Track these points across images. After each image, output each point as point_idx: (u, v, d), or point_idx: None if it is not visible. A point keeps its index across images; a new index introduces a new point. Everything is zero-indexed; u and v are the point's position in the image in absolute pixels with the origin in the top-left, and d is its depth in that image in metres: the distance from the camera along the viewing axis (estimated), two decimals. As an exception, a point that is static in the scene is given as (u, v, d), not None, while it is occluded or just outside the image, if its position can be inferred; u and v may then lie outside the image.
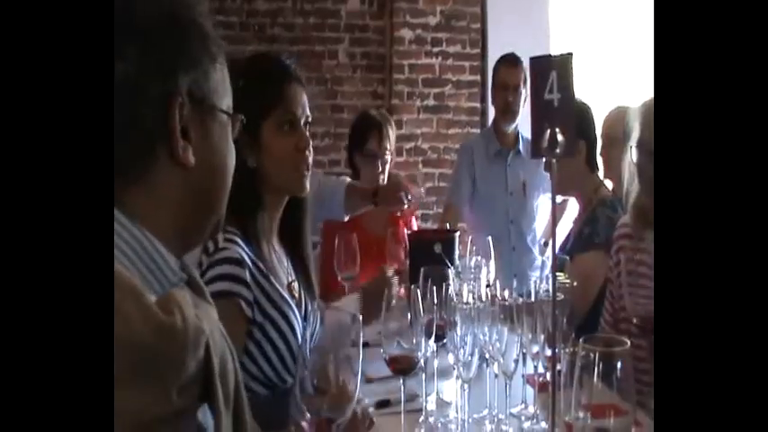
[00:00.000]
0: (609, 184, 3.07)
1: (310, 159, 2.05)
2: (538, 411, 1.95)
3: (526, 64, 3.23)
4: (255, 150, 1.99)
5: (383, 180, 3.66)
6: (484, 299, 1.87)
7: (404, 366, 1.84)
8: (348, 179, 3.19)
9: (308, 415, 1.28)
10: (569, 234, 3.04)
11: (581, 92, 3.05)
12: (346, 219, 3.20)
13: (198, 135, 0.96)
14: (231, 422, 0.93)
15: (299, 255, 2.16)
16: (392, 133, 3.69)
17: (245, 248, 1.94)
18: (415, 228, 3.77)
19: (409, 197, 2.95)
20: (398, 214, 3.45)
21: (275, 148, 2.01)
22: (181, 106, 0.93)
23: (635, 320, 1.82)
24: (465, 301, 1.86)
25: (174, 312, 0.81)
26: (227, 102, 1.03)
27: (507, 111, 3.86)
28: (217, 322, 0.93)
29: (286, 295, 2.01)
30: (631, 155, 2.17)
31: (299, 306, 2.04)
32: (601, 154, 3.01)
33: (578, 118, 2.82)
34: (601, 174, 3.04)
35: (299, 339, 1.94)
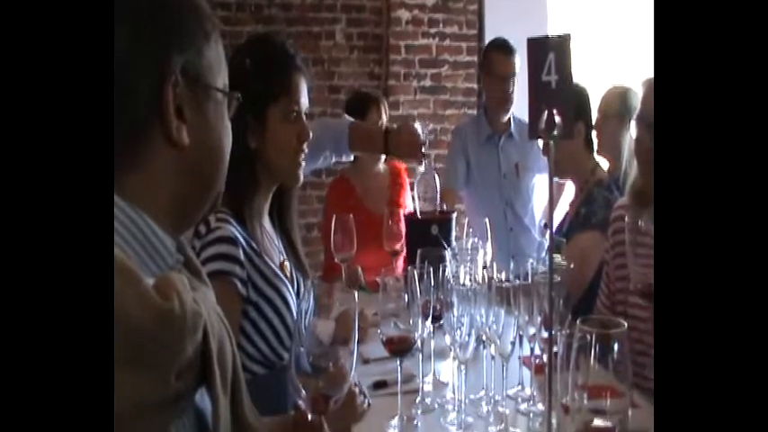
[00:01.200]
0: (604, 162, 3.07)
1: (307, 151, 2.06)
2: (534, 393, 1.96)
3: (522, 44, 3.20)
4: (259, 133, 2.00)
5: (380, 157, 3.66)
6: (480, 280, 1.87)
7: (401, 347, 1.85)
8: (350, 118, 3.15)
9: (304, 392, 1.27)
10: (566, 216, 3.04)
11: (578, 74, 3.04)
12: (351, 157, 3.14)
13: (193, 114, 0.95)
14: (229, 405, 0.92)
15: (287, 234, 2.17)
16: (386, 110, 3.71)
17: (238, 227, 1.94)
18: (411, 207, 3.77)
19: (425, 151, 2.88)
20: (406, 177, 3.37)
21: (279, 135, 2.02)
22: (174, 85, 0.92)
23: (639, 286, 1.81)
24: (462, 282, 1.86)
25: (172, 297, 0.80)
26: (222, 79, 1.01)
27: (505, 101, 3.83)
28: (214, 304, 0.93)
29: (280, 274, 2.01)
30: (631, 130, 2.17)
31: (291, 284, 2.05)
32: (595, 129, 3.00)
33: (576, 100, 2.82)
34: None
35: (295, 316, 1.94)
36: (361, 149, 3.06)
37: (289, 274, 2.08)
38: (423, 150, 2.84)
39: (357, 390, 1.87)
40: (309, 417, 1.28)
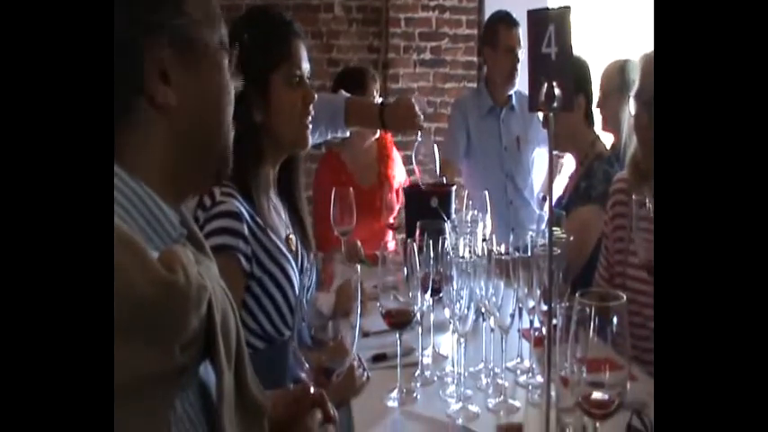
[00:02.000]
0: (608, 138, 3.05)
1: (313, 113, 2.04)
2: (533, 365, 1.97)
3: (522, 17, 3.17)
4: (263, 105, 1.98)
5: (373, 132, 3.65)
6: (480, 253, 1.88)
7: (400, 320, 1.85)
8: (345, 93, 3.14)
9: (307, 365, 1.27)
10: (566, 189, 3.03)
11: (579, 46, 3.02)
12: (348, 133, 3.14)
13: (181, 76, 0.92)
14: (233, 378, 0.92)
15: (295, 207, 2.16)
16: (378, 86, 3.72)
17: (243, 202, 1.93)
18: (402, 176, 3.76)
19: (422, 123, 2.87)
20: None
21: (284, 102, 2.00)
22: (158, 49, 0.89)
23: (645, 261, 1.81)
24: (461, 255, 1.86)
25: (176, 270, 0.79)
26: (216, 35, 0.97)
27: (511, 74, 3.81)
28: (218, 278, 0.92)
29: (284, 249, 2.00)
30: (630, 107, 2.16)
31: (296, 259, 2.04)
32: (598, 106, 2.99)
33: (576, 72, 2.80)
34: (598, 128, 3.02)
35: (297, 292, 1.94)
36: (358, 124, 3.03)
37: (294, 248, 2.07)
38: (420, 123, 2.82)
39: (356, 363, 1.88)
40: (312, 390, 1.28)
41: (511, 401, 1.83)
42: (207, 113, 0.97)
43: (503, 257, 1.78)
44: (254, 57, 1.86)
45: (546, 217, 2.02)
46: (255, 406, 0.98)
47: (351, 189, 2.85)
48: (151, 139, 0.91)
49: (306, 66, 2.03)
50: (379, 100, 3.61)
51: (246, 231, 1.90)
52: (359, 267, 1.37)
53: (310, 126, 2.04)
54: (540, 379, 1.89)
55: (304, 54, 2.03)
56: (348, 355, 1.31)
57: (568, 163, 3.36)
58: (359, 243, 3.10)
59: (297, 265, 2.03)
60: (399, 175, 3.81)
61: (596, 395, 1.20)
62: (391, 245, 3.23)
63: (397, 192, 3.24)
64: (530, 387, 1.90)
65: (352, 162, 3.73)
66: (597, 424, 1.22)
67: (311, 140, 2.07)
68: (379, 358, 2.09)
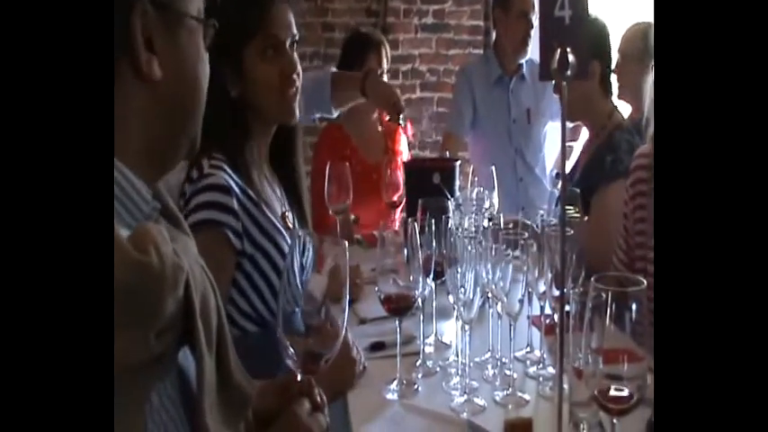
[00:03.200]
0: (625, 109, 3.02)
1: (298, 83, 2.02)
2: (544, 355, 1.96)
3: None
4: (237, 79, 1.97)
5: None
6: (487, 233, 1.85)
7: (400, 306, 1.85)
8: (333, 69, 3.12)
9: (292, 350, 1.27)
10: (577, 163, 3.01)
11: (596, 7, 2.99)
12: (336, 114, 3.14)
13: (164, 45, 0.92)
14: (215, 364, 0.92)
15: (292, 183, 2.16)
16: (388, 53, 3.65)
17: (233, 176, 1.93)
18: (406, 154, 3.75)
19: (402, 113, 2.89)
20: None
21: (259, 76, 1.99)
22: (143, 14, 0.89)
23: None
24: (466, 235, 1.85)
25: (149, 250, 0.78)
26: (196, 5, 0.99)
27: (525, 42, 3.77)
28: (196, 256, 0.91)
29: (279, 224, 2.00)
30: (652, 76, 2.13)
31: (292, 237, 2.02)
32: (614, 72, 2.95)
33: (593, 36, 2.77)
34: (614, 95, 2.99)
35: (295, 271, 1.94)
36: (343, 101, 3.07)
37: (291, 226, 2.07)
38: (401, 105, 2.88)
39: (355, 352, 1.87)
40: (299, 377, 1.28)
41: (520, 394, 1.82)
42: (186, 87, 0.98)
43: (511, 238, 1.76)
44: (225, 28, 1.85)
45: (558, 194, 2.02)
46: (239, 394, 0.98)
47: (347, 164, 2.84)
48: (128, 111, 0.90)
49: (287, 33, 2.01)
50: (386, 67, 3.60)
51: (236, 205, 1.89)
52: (346, 245, 1.35)
53: (296, 96, 2.03)
54: (551, 370, 1.89)
55: (286, 18, 2.01)
56: (338, 340, 1.30)
57: (583, 138, 3.34)
58: (352, 218, 3.09)
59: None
60: (405, 150, 3.80)
61: (614, 389, 1.19)
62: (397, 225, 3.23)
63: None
64: (540, 379, 1.90)
65: (357, 135, 3.72)
66: (615, 420, 1.21)
67: (298, 113, 2.05)
68: (377, 347, 2.09)
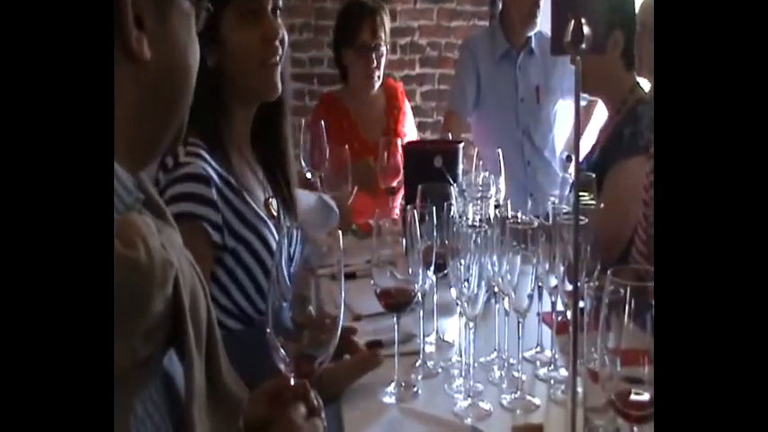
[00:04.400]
0: (645, 85, 2.99)
1: (281, 52, 2.01)
2: (556, 356, 1.95)
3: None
4: (215, 47, 1.95)
5: (378, 78, 3.62)
6: (493, 222, 1.86)
7: (398, 301, 1.84)
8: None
9: (284, 353, 1.26)
10: (595, 145, 2.99)
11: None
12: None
13: (154, 24, 0.92)
14: (204, 365, 0.91)
15: (277, 166, 2.15)
16: (387, 23, 3.64)
17: (212, 162, 1.92)
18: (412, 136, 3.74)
19: None
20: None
21: (237, 43, 1.97)
22: None
23: None
24: (470, 224, 1.84)
25: (136, 244, 0.78)
26: None
27: (534, 14, 3.77)
28: (182, 249, 0.91)
29: (263, 214, 2.00)
30: None
31: (277, 227, 2.03)
32: (635, 45, 2.91)
33: (614, 3, 2.75)
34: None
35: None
36: None
37: (275, 214, 2.07)
38: None
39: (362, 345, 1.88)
40: (292, 382, 1.28)
41: (529, 398, 1.82)
42: (175, 70, 0.98)
43: (519, 227, 1.75)
44: None
45: (570, 179, 2.01)
46: (230, 401, 0.98)
47: (346, 147, 2.83)
48: (118, 95, 0.89)
49: None
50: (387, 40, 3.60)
51: (216, 196, 1.88)
52: (340, 233, 1.35)
53: (278, 68, 2.01)
54: (563, 372, 1.89)
55: None
56: (334, 337, 1.30)
57: (597, 116, 3.32)
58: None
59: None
60: (410, 132, 3.78)
61: (633, 393, 1.18)
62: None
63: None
64: (552, 381, 1.90)
65: (356, 111, 3.73)
66: (635, 428, 1.20)
67: (280, 85, 2.03)
68: (372, 346, 2.06)
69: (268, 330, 1.27)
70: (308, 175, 2.90)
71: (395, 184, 2.98)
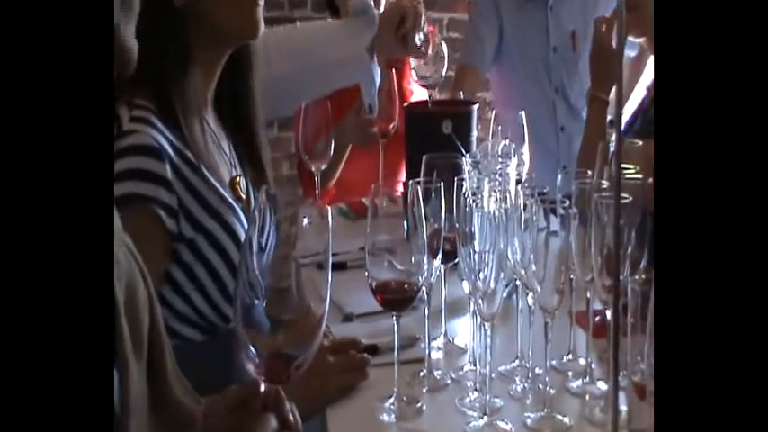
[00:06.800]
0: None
1: None
2: (592, 365, 1.95)
3: None
4: None
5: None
6: (514, 201, 1.83)
7: (397, 298, 1.84)
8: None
9: (254, 351, 1.26)
10: (641, 105, 2.98)
11: None
12: None
13: None
14: (145, 375, 0.94)
15: (245, 134, 2.15)
16: None
17: (164, 131, 1.89)
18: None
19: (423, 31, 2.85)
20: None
21: None
22: None
23: None
24: (486, 203, 1.82)
25: None
26: None
27: None
28: (120, 233, 0.93)
29: (228, 196, 1.99)
30: None
31: (247, 210, 2.02)
32: None
33: None
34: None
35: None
36: None
37: (244, 194, 2.07)
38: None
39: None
40: (262, 387, 1.28)
41: (559, 417, 1.81)
42: None
43: (547, 205, 1.74)
44: None
45: (612, 149, 1.99)
46: (180, 415, 1.01)
47: (327, 102, 2.81)
48: None
49: None
50: None
51: (170, 174, 1.86)
52: (328, 208, 1.34)
53: (261, 4, 2.01)
54: (601, 386, 1.88)
55: None
56: (315, 337, 1.30)
57: (652, 69, 3.29)
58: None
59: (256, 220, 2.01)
60: (417, 91, 3.77)
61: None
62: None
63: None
64: (587, 397, 1.89)
65: None
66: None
67: (263, 24, 2.04)
68: (367, 352, 2.05)
69: (236, 321, 1.27)
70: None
71: (391, 127, 2.98)
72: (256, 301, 1.29)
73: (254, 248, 1.33)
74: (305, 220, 1.44)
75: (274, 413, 1.27)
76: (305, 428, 1.34)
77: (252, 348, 1.25)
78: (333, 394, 1.87)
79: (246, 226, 1.98)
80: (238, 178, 2.07)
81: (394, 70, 3.41)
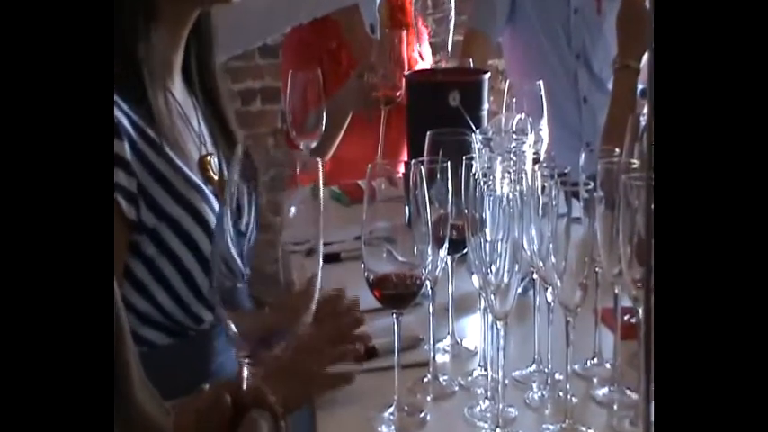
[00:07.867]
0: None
1: None
2: (620, 370, 1.93)
3: None
4: None
5: None
6: (531, 183, 1.82)
7: (398, 293, 1.84)
8: None
9: (234, 328, 1.25)
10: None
11: None
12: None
13: None
14: None
15: (216, 105, 2.15)
16: None
17: (121, 104, 1.88)
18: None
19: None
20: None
21: None
22: None
23: None
24: (499, 186, 1.81)
25: None
26: None
27: None
28: None
29: (195, 178, 1.97)
30: None
31: (220, 194, 2.00)
32: None
33: None
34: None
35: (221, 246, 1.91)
36: None
37: (215, 175, 2.06)
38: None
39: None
40: (245, 373, 1.27)
41: (582, 429, 1.80)
42: None
43: (569, 187, 1.74)
44: None
45: (643, 123, 1.96)
46: (145, 425, 1.03)
47: (318, 72, 2.80)
48: None
49: None
50: None
51: (129, 153, 1.84)
52: (319, 161, 1.34)
53: None
54: (631, 394, 1.87)
55: None
56: (306, 311, 1.28)
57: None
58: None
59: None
60: (427, 56, 3.77)
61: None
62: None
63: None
64: (614, 407, 1.88)
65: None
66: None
67: None
68: (365, 355, 2.05)
69: (220, 314, 1.26)
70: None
71: (398, 94, 2.98)
72: (239, 285, 1.27)
73: (231, 230, 1.32)
74: (292, 209, 1.41)
75: (263, 415, 1.27)
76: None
77: (233, 328, 1.24)
78: (323, 380, 1.89)
79: (215, 211, 1.98)
80: (209, 157, 2.06)
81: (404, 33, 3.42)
